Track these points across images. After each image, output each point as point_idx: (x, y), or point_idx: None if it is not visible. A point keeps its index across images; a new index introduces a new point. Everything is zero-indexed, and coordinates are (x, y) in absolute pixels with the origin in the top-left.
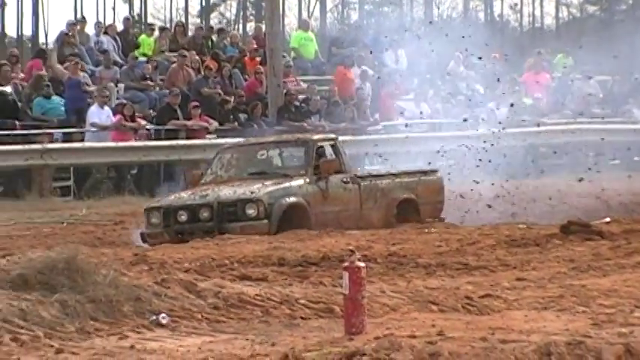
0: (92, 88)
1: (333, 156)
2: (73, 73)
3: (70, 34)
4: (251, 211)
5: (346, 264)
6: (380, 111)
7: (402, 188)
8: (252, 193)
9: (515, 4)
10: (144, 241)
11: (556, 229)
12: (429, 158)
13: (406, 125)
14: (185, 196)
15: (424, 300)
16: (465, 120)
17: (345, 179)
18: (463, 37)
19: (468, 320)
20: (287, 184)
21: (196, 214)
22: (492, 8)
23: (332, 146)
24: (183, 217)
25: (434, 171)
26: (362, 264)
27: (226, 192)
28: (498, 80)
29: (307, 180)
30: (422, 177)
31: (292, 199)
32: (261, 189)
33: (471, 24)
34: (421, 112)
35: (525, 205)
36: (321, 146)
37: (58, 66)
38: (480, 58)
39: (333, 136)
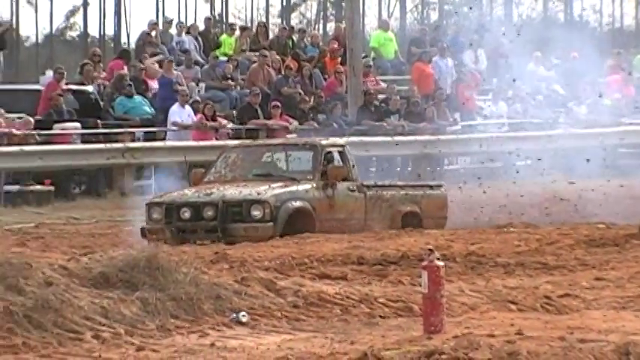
0: (183, 87)
1: (341, 162)
2: (167, 73)
3: (153, 34)
4: (256, 213)
5: (425, 263)
6: (460, 111)
7: (407, 201)
8: (258, 194)
9: None
10: (143, 236)
11: (635, 229)
12: (506, 158)
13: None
14: (189, 193)
15: (503, 299)
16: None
17: (351, 187)
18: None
19: (547, 320)
20: (294, 188)
21: (200, 212)
22: (572, 9)
23: (340, 153)
24: (186, 214)
25: (439, 185)
26: (441, 263)
27: (232, 191)
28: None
29: (314, 185)
30: (427, 191)
31: (299, 204)
32: (268, 191)
33: (550, 24)
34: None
35: (601, 205)
36: (330, 152)
37: (151, 64)
38: None
39: (342, 142)
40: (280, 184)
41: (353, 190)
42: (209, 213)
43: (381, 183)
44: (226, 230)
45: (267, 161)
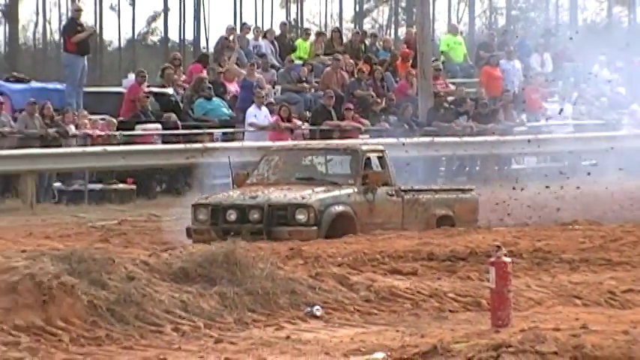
0: (265, 91)
1: (380, 167)
2: (249, 75)
3: (230, 38)
4: (301, 217)
5: (493, 259)
6: (526, 112)
7: (441, 205)
8: (303, 198)
9: None
10: (189, 236)
11: None
12: (573, 158)
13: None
14: (234, 195)
15: (568, 294)
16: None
17: (390, 192)
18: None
19: (611, 314)
20: (337, 192)
21: (246, 214)
22: (635, 14)
23: (379, 158)
24: (232, 216)
25: (470, 189)
26: (508, 259)
27: (277, 195)
28: None
29: (355, 190)
30: (459, 195)
31: (341, 208)
32: (312, 195)
33: (614, 29)
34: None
35: None
36: (369, 157)
37: (235, 66)
38: None
39: (381, 147)
40: (323, 188)
41: (391, 195)
42: (255, 216)
43: (417, 187)
44: (271, 233)
45: (309, 165)
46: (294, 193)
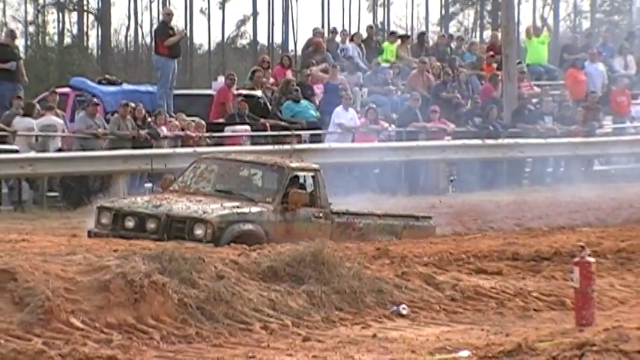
0: (347, 91)
1: (312, 187)
2: (332, 78)
3: (319, 41)
4: (199, 232)
5: (577, 259)
6: (613, 114)
7: (384, 231)
8: (204, 212)
9: None
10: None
11: None
12: None
13: None
14: (139, 202)
15: None
16: None
17: (317, 214)
18: None
19: None
20: (246, 210)
21: (144, 223)
22: None
23: (312, 177)
24: (130, 223)
25: (427, 217)
26: (592, 259)
27: (179, 206)
28: None
29: (271, 208)
30: (410, 222)
31: (248, 227)
32: (215, 210)
33: None
34: None
35: None
36: (297, 175)
37: (316, 69)
38: None
39: (315, 166)
40: (235, 203)
41: (318, 217)
42: (151, 225)
43: (354, 211)
44: None
45: (234, 177)
46: (198, 205)
